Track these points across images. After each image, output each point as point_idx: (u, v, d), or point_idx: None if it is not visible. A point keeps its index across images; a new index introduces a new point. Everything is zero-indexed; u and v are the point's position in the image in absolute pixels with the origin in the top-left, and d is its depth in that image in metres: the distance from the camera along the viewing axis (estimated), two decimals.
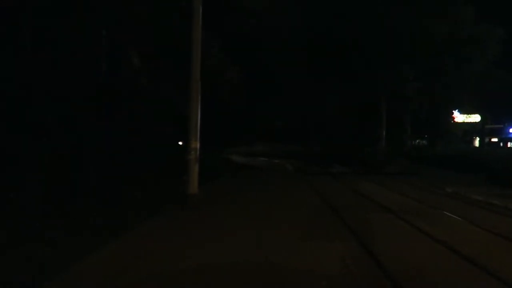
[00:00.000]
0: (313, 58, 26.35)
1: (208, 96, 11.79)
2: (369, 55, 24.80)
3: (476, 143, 42.43)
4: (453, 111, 36.58)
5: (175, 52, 11.74)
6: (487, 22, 26.63)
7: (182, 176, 8.90)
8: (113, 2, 9.94)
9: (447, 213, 8.33)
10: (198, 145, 8.78)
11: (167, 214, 7.66)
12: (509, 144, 46.06)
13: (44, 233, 5.37)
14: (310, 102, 29.45)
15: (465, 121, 39.05)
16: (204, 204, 8.60)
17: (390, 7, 23.60)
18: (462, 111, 38.01)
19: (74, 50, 8.86)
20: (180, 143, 12.98)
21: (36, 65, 8.00)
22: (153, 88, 11.40)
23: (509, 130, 48.64)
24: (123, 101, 10.38)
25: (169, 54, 12.01)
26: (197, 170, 8.77)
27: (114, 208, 7.32)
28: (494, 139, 48.59)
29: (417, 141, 35.98)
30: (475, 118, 39.49)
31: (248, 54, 19.83)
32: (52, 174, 7.34)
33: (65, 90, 8.40)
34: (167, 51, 11.98)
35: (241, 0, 14.76)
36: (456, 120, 38.17)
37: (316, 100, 28.81)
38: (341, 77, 26.53)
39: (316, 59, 26.32)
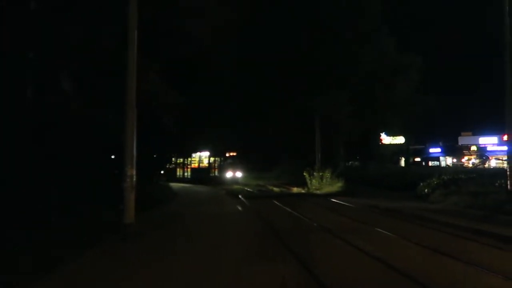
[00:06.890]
0: (249, 84, 27.18)
1: (146, 122, 11.47)
2: (303, 81, 26.05)
3: (402, 163, 45.75)
4: (381, 133, 39.45)
5: (111, 75, 11.28)
6: (408, 51, 29.60)
7: (119, 205, 8.43)
8: (42, 23, 9.42)
9: (380, 230, 8.80)
10: (134, 172, 8.42)
11: (99, 247, 7.15)
12: (430, 163, 50.35)
13: None
14: (250, 128, 30.01)
15: (392, 142, 42.29)
16: (140, 235, 8.16)
17: (324, 35, 25.16)
18: (388, 134, 41.13)
19: None
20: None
21: None
22: (87, 113, 10.78)
23: (429, 150, 53.55)
24: (52, 127, 9.68)
25: (105, 78, 11.52)
26: (134, 198, 8.36)
27: (42, 242, 6.71)
28: (417, 159, 52.98)
29: (350, 162, 37.92)
30: (400, 140, 42.97)
31: (188, 79, 19.79)
32: None
33: None
34: (102, 75, 11.49)
35: (178, 24, 14.73)
36: (383, 142, 41.21)
37: (255, 126, 29.42)
38: (277, 103, 27.50)
39: (252, 85, 27.18)
